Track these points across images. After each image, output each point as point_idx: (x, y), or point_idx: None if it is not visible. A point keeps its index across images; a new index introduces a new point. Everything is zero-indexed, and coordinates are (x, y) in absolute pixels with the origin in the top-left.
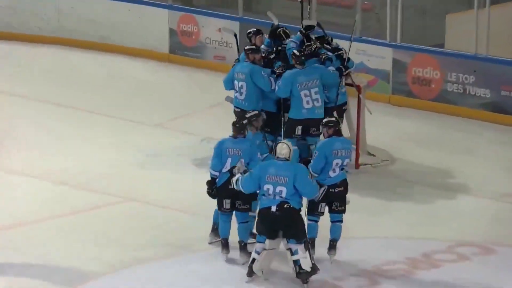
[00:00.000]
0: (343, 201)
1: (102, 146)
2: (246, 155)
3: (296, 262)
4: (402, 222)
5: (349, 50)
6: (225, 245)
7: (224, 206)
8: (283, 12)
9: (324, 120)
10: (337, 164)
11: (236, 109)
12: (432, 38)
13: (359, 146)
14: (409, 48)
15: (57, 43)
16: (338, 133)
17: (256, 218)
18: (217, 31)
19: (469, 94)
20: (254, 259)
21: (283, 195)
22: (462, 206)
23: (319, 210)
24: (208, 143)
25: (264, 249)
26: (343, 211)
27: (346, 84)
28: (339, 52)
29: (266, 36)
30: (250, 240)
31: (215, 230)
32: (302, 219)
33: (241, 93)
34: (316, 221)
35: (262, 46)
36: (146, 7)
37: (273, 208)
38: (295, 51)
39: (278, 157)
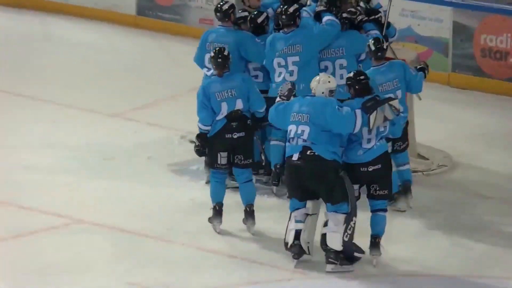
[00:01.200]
0: (384, 182)
1: (31, 145)
2: (243, 93)
3: (324, 236)
4: (467, 255)
5: (389, 11)
6: (218, 212)
7: (219, 162)
8: None
9: (351, 74)
10: (368, 132)
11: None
12: None
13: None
14: (476, 7)
15: None
16: (367, 89)
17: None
18: None
19: None
20: (298, 232)
21: (305, 136)
22: None
23: None
24: (190, 142)
25: (307, 214)
26: (387, 196)
27: (386, 59)
28: (377, 16)
29: None
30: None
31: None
32: (339, 176)
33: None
34: None
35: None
36: None
37: (295, 157)
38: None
39: (313, 94)
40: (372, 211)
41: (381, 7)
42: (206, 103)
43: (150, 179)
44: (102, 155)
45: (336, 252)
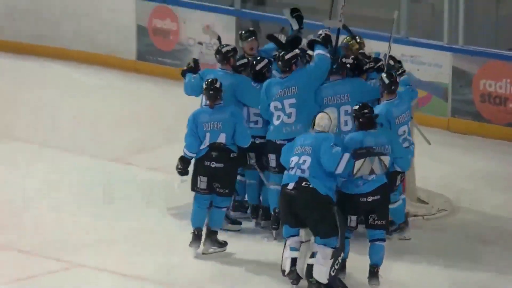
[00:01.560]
0: (383, 212)
1: (31, 189)
2: (229, 127)
3: (310, 267)
4: None
5: (388, 56)
6: (197, 237)
7: (198, 185)
8: (295, 2)
9: (356, 107)
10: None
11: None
12: (509, 39)
13: (407, 190)
14: (475, 53)
15: None
16: (371, 123)
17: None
18: (206, 28)
19: None
20: (294, 259)
21: (306, 166)
22: None
23: (348, 224)
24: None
25: (301, 242)
26: (384, 227)
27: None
28: (379, 64)
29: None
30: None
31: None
32: (331, 212)
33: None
34: (347, 237)
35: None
36: None
37: (290, 186)
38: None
39: (315, 129)
40: (371, 240)
41: (379, 54)
42: (195, 130)
43: (149, 223)
44: (101, 200)
45: (319, 284)
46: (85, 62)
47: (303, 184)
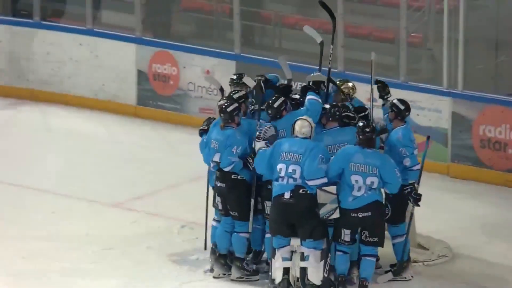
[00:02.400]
0: (374, 230)
1: (31, 236)
2: (223, 148)
3: (303, 270)
4: None
5: (371, 106)
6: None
7: (218, 206)
8: (296, 47)
9: (360, 124)
10: (356, 181)
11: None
12: (508, 84)
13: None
14: (475, 98)
15: None
16: (369, 143)
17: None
18: (206, 73)
19: None
20: (286, 269)
21: (297, 175)
22: None
23: (342, 238)
24: (191, 229)
25: (292, 251)
26: (377, 243)
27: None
28: (366, 113)
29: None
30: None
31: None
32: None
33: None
34: (345, 252)
35: None
36: (104, 40)
37: (286, 195)
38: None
39: (296, 136)
40: (362, 255)
41: (364, 104)
42: (203, 145)
43: (149, 269)
44: (101, 245)
45: (314, 286)
46: (85, 107)
47: (301, 191)
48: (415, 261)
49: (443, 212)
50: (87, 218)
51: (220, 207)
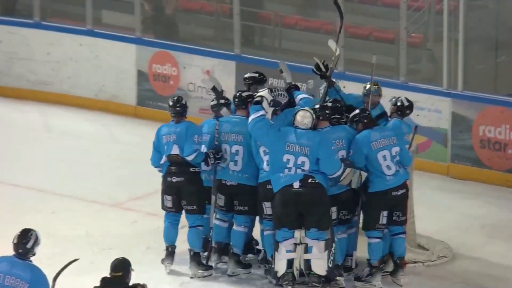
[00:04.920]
0: (405, 209)
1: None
2: (181, 140)
3: (307, 262)
4: None
5: (369, 107)
6: (170, 253)
7: (165, 204)
8: (296, 48)
9: (356, 112)
10: (384, 156)
11: (226, 185)
12: (508, 84)
13: (406, 236)
14: (475, 98)
15: None
16: (374, 122)
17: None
18: (206, 74)
19: None
20: (290, 261)
21: (306, 167)
22: None
23: (380, 222)
24: None
25: (296, 244)
26: (405, 222)
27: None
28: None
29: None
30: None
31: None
32: (329, 203)
33: (235, 162)
34: (380, 238)
35: None
36: (104, 40)
37: (296, 185)
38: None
39: (297, 126)
40: (393, 235)
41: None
42: (156, 143)
43: (149, 269)
44: (100, 246)
45: (319, 276)
46: (85, 107)
47: (310, 180)
48: (415, 262)
49: (443, 212)
50: (87, 218)
51: (170, 204)
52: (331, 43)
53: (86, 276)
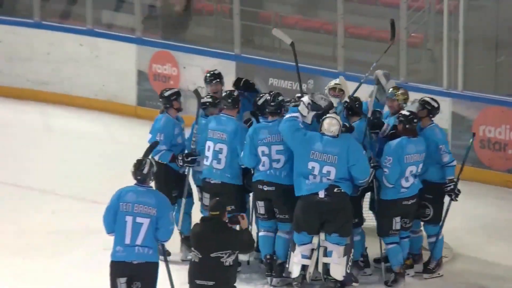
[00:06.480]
0: (413, 216)
1: (31, 236)
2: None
3: (325, 266)
4: None
5: (371, 108)
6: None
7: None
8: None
9: (405, 112)
10: (411, 172)
11: (210, 183)
12: (508, 84)
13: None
14: (475, 98)
15: None
16: (412, 131)
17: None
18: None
19: None
20: (304, 266)
21: (331, 176)
22: None
23: (394, 228)
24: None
25: (313, 249)
26: (411, 227)
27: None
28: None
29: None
30: None
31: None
32: (351, 211)
33: (218, 160)
34: (397, 243)
35: None
36: (105, 40)
37: (321, 194)
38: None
39: (324, 134)
40: (403, 237)
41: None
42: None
43: None
44: (102, 245)
45: (336, 281)
46: (85, 107)
47: (335, 190)
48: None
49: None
50: (87, 218)
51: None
52: (276, 32)
53: (87, 275)
